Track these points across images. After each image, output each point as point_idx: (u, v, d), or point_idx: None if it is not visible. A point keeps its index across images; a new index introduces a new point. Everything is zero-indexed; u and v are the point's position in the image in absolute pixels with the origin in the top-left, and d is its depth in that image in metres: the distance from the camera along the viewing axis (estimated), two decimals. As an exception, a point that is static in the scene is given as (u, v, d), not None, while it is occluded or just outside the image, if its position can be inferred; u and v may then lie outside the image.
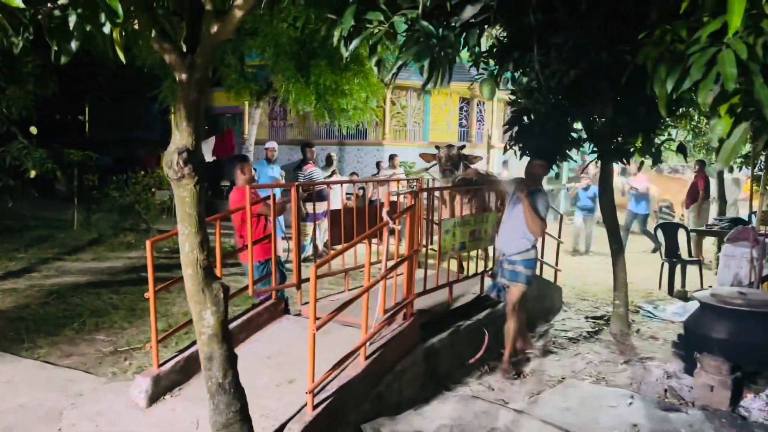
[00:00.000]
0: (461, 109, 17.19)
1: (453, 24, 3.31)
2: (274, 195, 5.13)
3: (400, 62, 2.88)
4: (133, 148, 20.41)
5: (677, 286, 8.32)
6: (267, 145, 8.90)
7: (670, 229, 8.71)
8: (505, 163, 13.21)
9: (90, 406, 4.17)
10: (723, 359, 4.55)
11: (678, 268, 8.38)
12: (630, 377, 5.19)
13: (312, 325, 3.47)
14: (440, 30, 3.34)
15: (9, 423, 3.92)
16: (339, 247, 5.37)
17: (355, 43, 2.86)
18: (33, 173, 9.29)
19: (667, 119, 6.77)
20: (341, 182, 8.40)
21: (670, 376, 5.08)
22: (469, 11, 3.28)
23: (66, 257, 9.73)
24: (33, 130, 9.38)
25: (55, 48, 2.31)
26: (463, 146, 6.70)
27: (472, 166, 6.67)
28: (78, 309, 6.70)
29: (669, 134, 9.72)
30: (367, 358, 4.07)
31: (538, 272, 6.73)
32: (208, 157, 13.60)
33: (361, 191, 10.78)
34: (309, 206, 8.20)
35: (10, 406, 4.16)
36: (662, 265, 8.52)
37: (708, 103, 2.71)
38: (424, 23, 2.74)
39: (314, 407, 3.57)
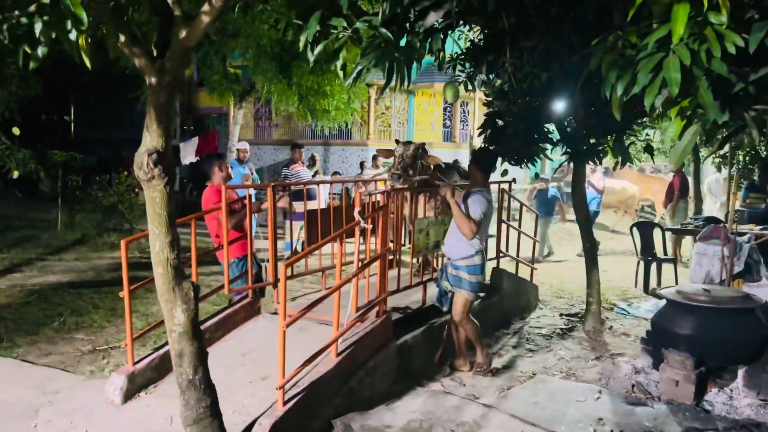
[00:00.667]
0: (445, 109, 17.32)
1: (417, 30, 3.42)
2: (250, 195, 5.21)
3: (359, 67, 2.98)
4: (117, 148, 20.39)
5: (652, 284, 8.47)
6: (238, 146, 8.94)
7: (646, 228, 8.86)
8: (506, 172, 13.21)
9: (66, 403, 4.23)
10: (688, 354, 4.68)
11: (653, 266, 8.54)
12: (600, 373, 5.32)
13: (282, 322, 3.56)
14: (405, 35, 3.45)
15: (-16, 420, 3.98)
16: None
17: (319, 48, 2.95)
18: (16, 174, 9.30)
19: (645, 120, 6.94)
20: (318, 182, 8.47)
21: (638, 372, 5.21)
22: (432, 17, 3.38)
23: (49, 257, 9.75)
24: (15, 130, 9.38)
25: (26, 52, 2.38)
26: (423, 144, 6.20)
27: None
28: (59, 308, 6.74)
29: (647, 134, 9.91)
30: (339, 354, 4.16)
31: (498, 271, 6.87)
32: (192, 158, 13.65)
33: (346, 191, 10.86)
34: (299, 205, 8.19)
35: (-13, 403, 4.22)
36: (638, 263, 8.67)
37: (658, 106, 2.83)
38: (383, 30, 2.84)
39: (285, 402, 3.65)
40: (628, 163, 6.04)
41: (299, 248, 8.64)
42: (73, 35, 2.29)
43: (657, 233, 8.90)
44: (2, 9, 2.24)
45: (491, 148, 5.98)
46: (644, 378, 5.11)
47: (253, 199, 8.26)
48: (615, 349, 5.93)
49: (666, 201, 11.53)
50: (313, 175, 10.33)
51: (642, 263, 8.59)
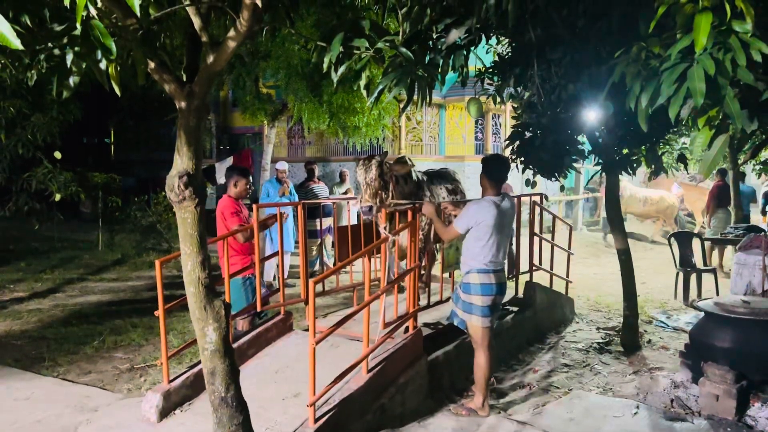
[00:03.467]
0: (477, 122, 17.28)
1: (440, 47, 3.45)
2: (280, 214, 5.25)
3: (381, 86, 3.02)
4: (155, 169, 20.85)
5: (692, 295, 8.26)
6: (277, 166, 8.91)
7: (684, 239, 8.66)
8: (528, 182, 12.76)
9: (104, 421, 4.33)
10: (728, 368, 4.56)
11: (693, 277, 8.33)
12: (637, 387, 5.20)
13: (312, 339, 3.58)
14: (428, 53, 3.48)
15: (27, 438, 4.10)
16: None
17: (342, 68, 3.00)
18: (58, 196, 9.63)
19: (681, 128, 6.82)
20: (334, 200, 8.42)
21: (677, 386, 5.08)
22: (454, 34, 3.40)
23: (90, 277, 10.01)
24: (57, 154, 9.73)
25: (60, 81, 2.49)
26: (385, 155, 5.23)
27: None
28: (98, 328, 6.91)
29: (683, 143, 9.72)
30: (369, 371, 4.17)
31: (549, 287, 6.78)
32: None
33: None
34: (315, 222, 8.21)
35: (28, 422, 4.34)
36: (677, 274, 8.47)
37: (684, 116, 2.79)
38: (403, 50, 2.88)
39: (316, 420, 3.67)
40: (670, 172, 5.93)
41: (330, 264, 8.70)
42: (103, 64, 2.38)
43: (696, 243, 8.69)
44: (37, 41, 2.35)
45: (520, 160, 5.95)
46: (683, 392, 4.98)
47: (289, 217, 8.36)
48: (653, 363, 5.80)
49: (707, 209, 11.28)
50: (345, 192, 10.37)
51: (681, 274, 8.39)
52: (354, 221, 7.32)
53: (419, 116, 16.53)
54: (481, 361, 4.52)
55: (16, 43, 2.07)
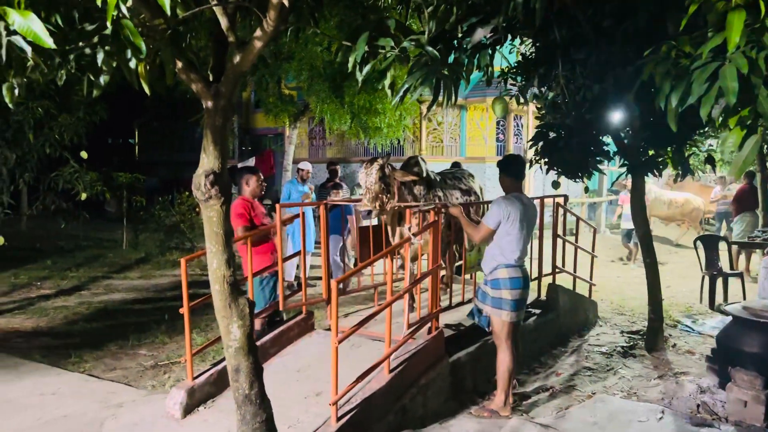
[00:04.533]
0: (498, 123, 17.18)
1: (465, 46, 3.43)
2: (303, 213, 5.28)
3: (406, 85, 3.01)
4: (178, 169, 21.09)
5: (718, 299, 8.13)
6: (300, 165, 8.95)
7: (710, 242, 8.52)
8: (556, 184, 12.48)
9: (129, 416, 4.38)
10: (756, 374, 4.47)
11: (719, 281, 8.19)
12: (662, 392, 5.13)
13: (334, 338, 3.59)
14: (452, 52, 3.47)
15: (54, 432, 4.16)
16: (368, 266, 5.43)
17: (367, 68, 3.00)
18: (84, 195, 9.78)
19: (707, 129, 6.70)
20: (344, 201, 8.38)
21: (704, 391, 5.00)
22: (479, 33, 3.38)
23: (114, 275, 10.15)
24: (83, 154, 9.87)
25: (91, 80, 2.52)
26: (388, 156, 5.14)
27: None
28: (123, 325, 7.01)
29: (709, 145, 9.58)
30: (391, 371, 4.16)
31: (573, 289, 6.72)
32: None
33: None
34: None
35: (55, 416, 4.41)
36: (703, 278, 8.34)
37: (715, 116, 2.74)
38: (429, 48, 2.87)
39: (338, 419, 3.68)
40: (695, 174, 5.83)
41: (351, 265, 8.70)
42: (132, 63, 2.41)
43: (723, 247, 8.55)
44: (68, 41, 2.38)
45: (544, 161, 5.90)
46: (710, 398, 4.90)
47: (310, 219, 8.37)
48: (679, 368, 5.71)
49: (734, 212, 11.09)
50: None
51: (707, 278, 8.25)
52: (375, 222, 7.31)
53: (440, 117, 16.49)
54: (504, 358, 4.51)
55: (49, 42, 2.10)
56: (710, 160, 5.47)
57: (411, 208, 4.83)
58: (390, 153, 5.56)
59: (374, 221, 5.32)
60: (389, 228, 5.25)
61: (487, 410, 4.55)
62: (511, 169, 4.61)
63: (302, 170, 8.79)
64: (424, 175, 5.41)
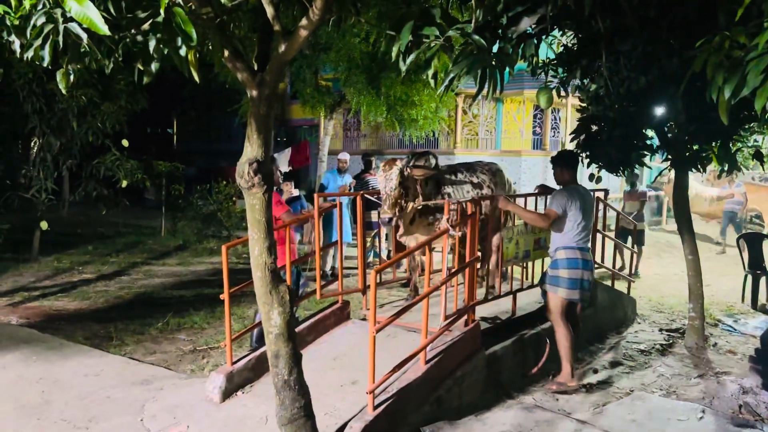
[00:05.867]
0: (535, 116, 16.98)
1: (510, 35, 3.39)
2: (340, 203, 5.33)
3: (452, 75, 2.99)
4: (216, 159, 21.40)
5: (761, 299, 7.91)
6: (339, 156, 9.05)
7: (754, 240, 8.29)
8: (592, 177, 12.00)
9: (169, 399, 4.48)
10: (803, 375, 4.35)
11: (763, 280, 7.97)
12: (703, 391, 5.02)
13: (372, 328, 3.60)
14: (497, 42, 3.43)
15: (96, 413, 4.27)
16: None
17: (411, 57, 2.99)
18: (124, 183, 10.03)
19: (753, 125, 6.51)
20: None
21: (746, 392, 4.89)
22: (525, 22, 3.34)
23: (153, 262, 10.37)
24: (125, 142, 10.11)
25: (140, 68, 2.57)
26: (413, 158, 5.15)
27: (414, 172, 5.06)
28: (162, 310, 7.14)
29: (755, 140, 9.28)
30: (427, 362, 4.16)
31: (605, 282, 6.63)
32: (285, 167, 14.12)
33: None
34: (373, 215, 8.16)
35: (98, 397, 4.53)
36: (745, 277, 8.13)
37: (769, 109, 2.66)
38: (476, 37, 2.83)
39: (375, 407, 3.70)
40: (735, 171, 5.67)
41: (384, 257, 8.71)
42: (183, 51, 2.44)
43: (767, 245, 8.31)
44: (119, 29, 2.42)
45: (585, 154, 5.82)
46: (753, 399, 4.79)
47: (346, 210, 8.42)
48: (720, 368, 5.58)
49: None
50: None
51: (750, 277, 8.04)
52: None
53: (475, 110, 16.36)
54: (561, 333, 4.84)
55: (104, 29, 2.15)
56: (759, 156, 5.31)
57: (437, 205, 5.05)
58: (412, 155, 5.25)
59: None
60: (402, 228, 5.27)
61: (556, 383, 4.88)
62: (569, 163, 5.04)
63: (340, 160, 8.85)
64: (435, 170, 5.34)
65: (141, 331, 6.33)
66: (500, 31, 3.44)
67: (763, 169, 8.40)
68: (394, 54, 3.09)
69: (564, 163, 5.03)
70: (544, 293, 5.05)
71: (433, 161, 5.41)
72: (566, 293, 4.81)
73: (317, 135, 17.36)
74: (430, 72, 3.05)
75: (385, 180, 4.91)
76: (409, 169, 5.05)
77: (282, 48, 3.05)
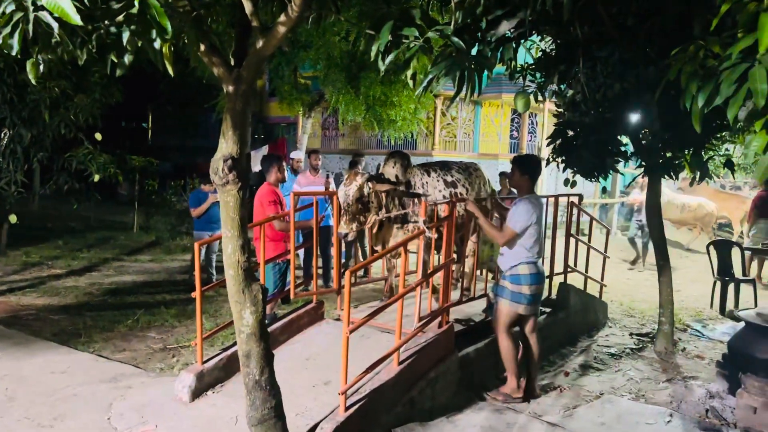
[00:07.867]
0: (513, 120, 17.11)
1: (489, 39, 3.40)
2: (317, 202, 5.30)
3: (430, 76, 2.99)
4: (191, 155, 21.17)
5: (729, 305, 8.06)
6: (292, 155, 8.61)
7: (723, 247, 8.44)
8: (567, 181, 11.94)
9: (137, 398, 4.40)
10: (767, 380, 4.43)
11: (731, 287, 8.13)
12: (671, 395, 5.10)
13: (346, 328, 3.58)
14: (476, 45, 3.44)
15: (63, 410, 4.18)
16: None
17: (390, 57, 2.97)
18: (97, 177, 9.82)
19: (725, 134, 6.63)
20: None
21: (713, 396, 4.97)
22: (504, 26, 3.35)
23: (125, 258, 10.20)
24: (98, 136, 9.90)
25: (114, 60, 2.52)
26: (372, 176, 4.94)
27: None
28: (133, 307, 7.04)
29: (726, 149, 9.46)
30: (400, 363, 4.15)
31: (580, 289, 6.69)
32: (258, 167, 14.01)
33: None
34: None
35: (65, 394, 4.43)
36: (714, 283, 8.28)
37: (742, 118, 2.70)
38: (455, 39, 2.84)
39: (346, 408, 3.67)
40: (706, 179, 5.77)
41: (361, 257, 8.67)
42: (157, 44, 2.39)
43: (735, 252, 8.47)
44: (92, 20, 2.37)
45: (561, 159, 5.86)
46: (719, 403, 4.87)
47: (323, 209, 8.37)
48: (688, 372, 5.68)
49: (750, 219, 10.98)
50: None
51: (719, 283, 8.19)
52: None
53: (454, 112, 16.43)
54: (504, 348, 4.70)
55: (76, 19, 2.09)
56: (729, 164, 5.41)
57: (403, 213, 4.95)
58: (372, 175, 4.93)
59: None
60: (373, 238, 5.21)
61: (501, 394, 4.74)
62: (530, 169, 4.74)
63: (294, 160, 8.70)
64: (401, 178, 5.22)
65: (110, 329, 6.22)
66: (479, 34, 3.45)
67: (734, 178, 8.54)
68: (373, 53, 3.08)
69: (526, 168, 4.71)
70: (490, 306, 4.87)
71: (400, 169, 5.23)
72: (527, 309, 4.66)
73: (295, 133, 17.26)
74: (409, 72, 3.04)
75: (343, 194, 4.78)
76: (371, 185, 4.85)
77: (260, 44, 3.01)
